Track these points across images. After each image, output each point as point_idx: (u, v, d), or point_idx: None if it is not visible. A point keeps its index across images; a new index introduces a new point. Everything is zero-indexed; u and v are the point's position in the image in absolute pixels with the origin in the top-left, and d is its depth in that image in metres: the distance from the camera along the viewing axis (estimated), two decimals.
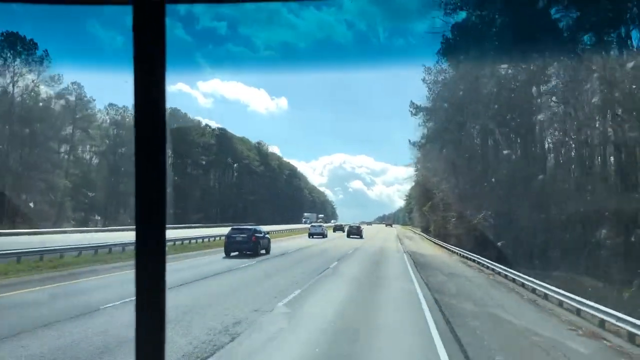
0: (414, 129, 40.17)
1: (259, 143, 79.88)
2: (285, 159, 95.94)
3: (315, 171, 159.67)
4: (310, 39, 63.45)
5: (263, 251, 20.63)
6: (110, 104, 49.96)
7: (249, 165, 72.83)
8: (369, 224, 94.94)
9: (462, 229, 26.00)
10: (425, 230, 50.34)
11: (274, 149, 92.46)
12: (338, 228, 52.93)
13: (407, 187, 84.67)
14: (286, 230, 43.60)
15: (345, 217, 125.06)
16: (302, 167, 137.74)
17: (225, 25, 66.93)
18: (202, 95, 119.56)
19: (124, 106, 49.20)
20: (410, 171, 47.51)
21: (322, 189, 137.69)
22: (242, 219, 52.77)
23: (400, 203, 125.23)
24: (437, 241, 35.07)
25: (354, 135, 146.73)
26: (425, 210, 43.50)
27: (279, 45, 65.04)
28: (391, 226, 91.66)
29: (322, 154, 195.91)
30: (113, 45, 43.54)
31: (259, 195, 73.17)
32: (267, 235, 21.95)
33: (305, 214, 78.76)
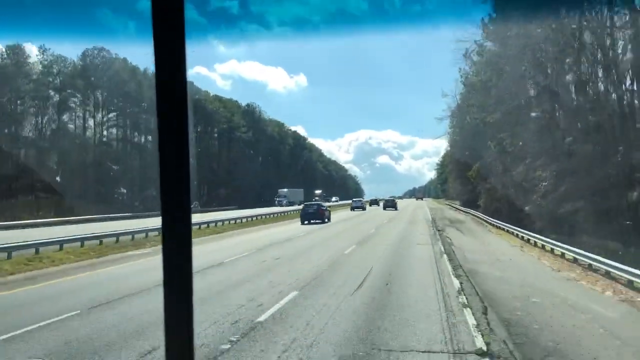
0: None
1: (248, 105, 76.74)
2: (310, 139, 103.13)
3: (341, 149, 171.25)
4: (323, 11, 68.19)
5: (327, 220, 34.00)
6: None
7: (233, 132, 68.19)
8: (400, 198, 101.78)
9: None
10: (470, 203, 44.28)
11: (298, 128, 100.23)
12: (374, 202, 72.27)
13: (436, 159, 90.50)
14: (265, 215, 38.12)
15: (374, 192, 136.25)
16: (327, 145, 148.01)
17: (236, 4, 71.61)
18: (220, 77, 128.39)
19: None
20: (446, 129, 50.28)
21: (348, 165, 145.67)
22: (228, 203, 53.99)
23: (430, 176, 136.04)
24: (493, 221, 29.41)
25: (377, 110, 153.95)
26: (471, 175, 38.60)
27: (292, 20, 69.98)
28: (422, 199, 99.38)
29: (347, 130, 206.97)
30: (124, 30, 49.83)
31: (246, 173, 66.03)
32: (328, 209, 37.60)
33: (281, 190, 66.26)
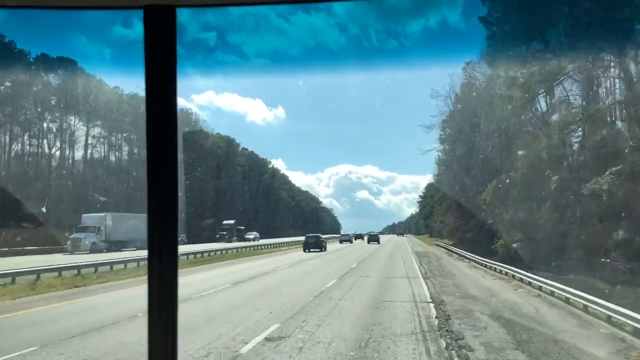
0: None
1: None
2: (287, 171, 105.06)
3: (321, 183, 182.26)
4: (302, 45, 74.69)
5: (324, 249, 45.72)
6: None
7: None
8: (380, 233, 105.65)
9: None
10: (472, 245, 36.59)
11: (277, 161, 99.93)
12: (358, 236, 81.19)
13: (415, 195, 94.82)
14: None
15: (353, 227, 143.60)
16: (307, 179, 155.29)
17: (214, 35, 77.44)
18: (197, 108, 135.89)
19: None
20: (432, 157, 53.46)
21: (328, 200, 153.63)
22: None
23: (408, 211, 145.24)
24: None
25: (357, 145, 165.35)
26: (484, 199, 31.12)
27: (270, 53, 76.83)
28: (402, 235, 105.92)
29: (327, 165, 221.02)
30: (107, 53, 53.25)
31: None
32: (324, 239, 49.19)
33: (226, 222, 62.05)
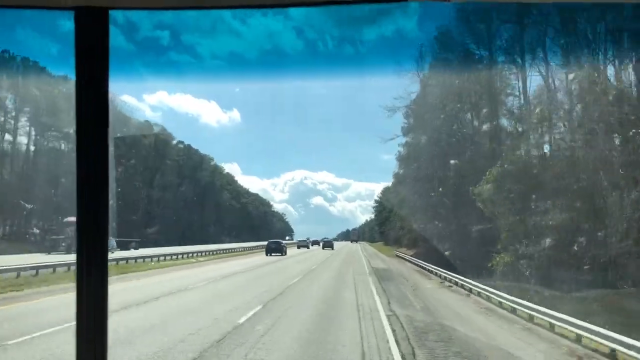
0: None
1: None
2: (244, 176, 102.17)
3: (276, 188, 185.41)
4: (258, 48, 77.03)
5: (285, 253, 54.36)
6: None
7: None
8: (335, 240, 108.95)
9: None
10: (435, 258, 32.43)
11: (233, 165, 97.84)
12: (315, 242, 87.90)
13: (370, 202, 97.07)
14: None
15: (308, 233, 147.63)
16: (263, 184, 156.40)
17: (167, 35, 79.02)
18: (149, 108, 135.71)
19: None
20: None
21: (283, 205, 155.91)
22: None
23: (362, 218, 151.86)
24: None
25: (313, 150, 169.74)
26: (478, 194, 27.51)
27: (225, 54, 78.61)
28: (356, 242, 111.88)
29: (282, 170, 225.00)
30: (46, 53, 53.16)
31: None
32: (285, 244, 58.32)
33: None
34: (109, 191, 1.49)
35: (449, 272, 27.57)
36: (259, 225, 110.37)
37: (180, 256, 43.42)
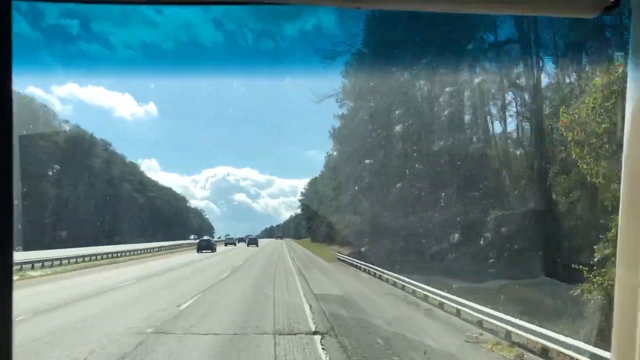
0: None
1: None
2: (162, 172, 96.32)
3: (197, 185, 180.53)
4: (174, 39, 74.94)
5: (215, 250, 58.86)
6: None
7: None
8: (259, 237, 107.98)
9: None
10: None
11: (151, 162, 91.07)
12: (241, 240, 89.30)
13: (294, 199, 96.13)
14: None
15: (231, 230, 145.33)
16: (183, 181, 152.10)
17: (77, 23, 74.33)
18: (59, 101, 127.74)
19: None
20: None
21: (204, 202, 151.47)
22: None
23: (286, 215, 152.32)
24: None
25: (236, 147, 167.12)
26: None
27: (139, 45, 75.51)
28: (281, 238, 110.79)
29: (204, 167, 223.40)
30: None
31: None
32: (215, 242, 66.32)
33: None
34: (12, 191, 1.43)
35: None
36: (173, 223, 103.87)
37: (95, 257, 41.23)
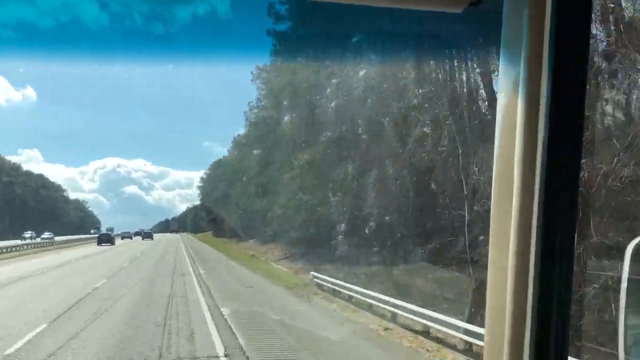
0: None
1: None
2: (46, 163, 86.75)
3: (85, 177, 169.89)
4: (55, 19, 69.22)
5: (114, 243, 66.15)
6: None
7: None
8: (152, 231, 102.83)
9: None
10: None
11: (33, 152, 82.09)
12: (137, 234, 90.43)
13: (189, 191, 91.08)
14: None
15: (120, 224, 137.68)
16: (69, 172, 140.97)
17: None
18: None
19: None
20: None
21: (93, 195, 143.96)
22: None
23: (182, 208, 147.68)
24: None
25: (127, 137, 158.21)
26: None
27: (14, 24, 68.40)
28: (177, 233, 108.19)
29: (92, 158, 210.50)
30: None
31: None
32: (114, 236, 72.44)
33: None
34: None
35: None
36: (47, 218, 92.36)
37: None
